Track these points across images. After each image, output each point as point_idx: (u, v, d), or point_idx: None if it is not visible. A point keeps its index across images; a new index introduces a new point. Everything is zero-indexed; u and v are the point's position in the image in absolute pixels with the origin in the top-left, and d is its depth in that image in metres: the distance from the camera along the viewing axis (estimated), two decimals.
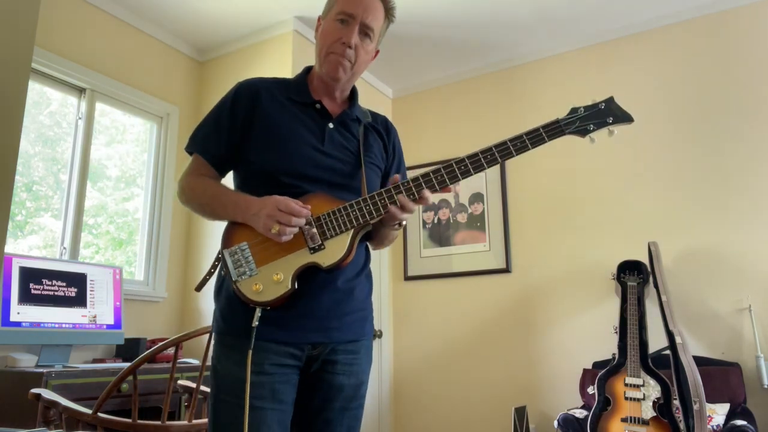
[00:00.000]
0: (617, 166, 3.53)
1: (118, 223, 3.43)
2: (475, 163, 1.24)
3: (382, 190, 1.26)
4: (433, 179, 1.25)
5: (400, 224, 1.34)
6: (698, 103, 3.38)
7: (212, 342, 1.32)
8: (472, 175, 1.25)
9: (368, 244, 1.46)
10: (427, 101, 4.38)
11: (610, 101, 1.24)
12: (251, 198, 1.26)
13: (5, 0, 1.44)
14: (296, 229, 1.22)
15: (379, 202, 1.25)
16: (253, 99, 1.35)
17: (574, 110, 1.24)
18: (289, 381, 1.25)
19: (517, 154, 1.23)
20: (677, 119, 3.42)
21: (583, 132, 1.23)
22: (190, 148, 1.39)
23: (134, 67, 3.49)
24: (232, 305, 1.27)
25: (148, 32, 3.59)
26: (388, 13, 1.39)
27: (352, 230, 1.24)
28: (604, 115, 1.23)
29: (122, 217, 3.45)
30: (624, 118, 1.22)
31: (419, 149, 4.30)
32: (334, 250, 1.24)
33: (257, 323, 1.21)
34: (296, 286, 1.22)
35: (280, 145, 1.30)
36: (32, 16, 1.50)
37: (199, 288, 1.38)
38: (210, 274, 1.32)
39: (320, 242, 1.24)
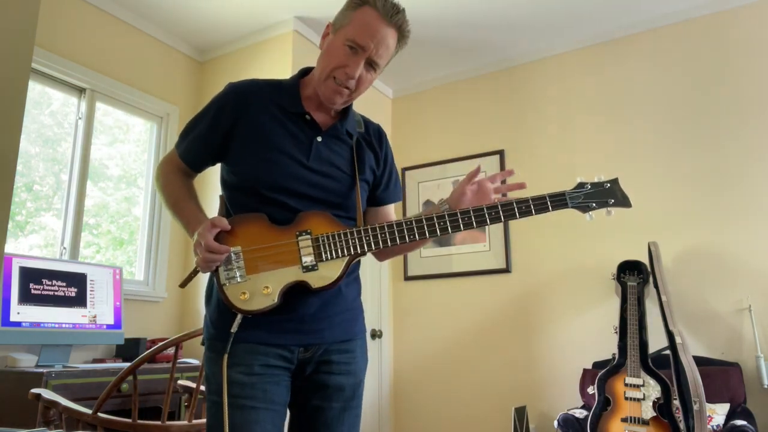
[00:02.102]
0: (617, 165, 3.52)
1: (119, 223, 3.43)
2: (481, 217, 1.25)
3: (384, 224, 1.24)
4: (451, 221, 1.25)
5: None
6: (697, 103, 3.38)
7: (204, 347, 1.32)
8: (484, 223, 1.26)
9: (376, 256, 1.47)
10: (427, 101, 4.38)
11: (614, 182, 1.27)
12: (196, 221, 1.29)
13: (5, 0, 1.44)
14: (214, 266, 1.23)
15: (379, 236, 1.24)
16: (240, 106, 1.32)
17: (581, 185, 1.27)
18: (280, 382, 1.25)
19: (520, 217, 1.24)
20: (677, 119, 3.42)
21: (584, 208, 1.26)
22: (176, 147, 1.42)
23: (134, 67, 3.49)
24: (222, 311, 1.27)
25: (148, 32, 3.59)
26: (401, 41, 1.31)
27: (348, 257, 1.24)
28: (606, 195, 1.26)
29: (123, 216, 3.45)
30: (624, 202, 1.26)
31: (419, 149, 4.30)
32: (326, 273, 1.23)
33: (236, 329, 1.22)
34: (282, 302, 1.22)
35: (263, 157, 1.27)
36: (32, 16, 1.50)
37: (183, 284, 1.38)
38: (195, 271, 1.31)
39: (315, 263, 1.23)
